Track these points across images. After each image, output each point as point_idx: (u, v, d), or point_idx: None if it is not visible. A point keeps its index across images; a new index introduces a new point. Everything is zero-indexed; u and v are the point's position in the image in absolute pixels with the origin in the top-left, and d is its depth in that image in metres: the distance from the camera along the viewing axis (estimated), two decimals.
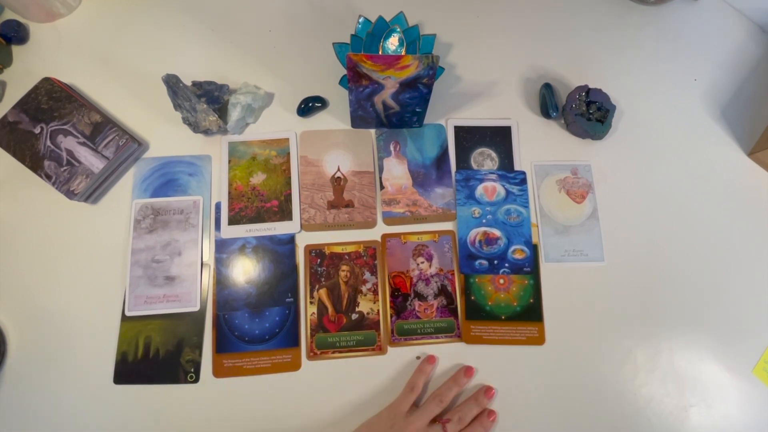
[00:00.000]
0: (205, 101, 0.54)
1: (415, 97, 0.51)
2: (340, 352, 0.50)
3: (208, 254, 0.53)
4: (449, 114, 0.59)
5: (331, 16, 0.62)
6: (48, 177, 0.51)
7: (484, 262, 0.54)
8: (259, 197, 0.54)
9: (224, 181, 0.55)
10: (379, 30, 0.56)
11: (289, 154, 0.56)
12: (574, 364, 0.51)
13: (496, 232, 0.55)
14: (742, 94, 0.62)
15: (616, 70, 0.62)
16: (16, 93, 0.53)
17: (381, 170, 0.56)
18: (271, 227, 0.53)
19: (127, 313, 0.50)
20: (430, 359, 0.50)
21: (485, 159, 0.57)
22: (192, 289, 0.51)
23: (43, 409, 0.48)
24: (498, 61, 0.62)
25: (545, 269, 0.54)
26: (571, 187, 0.57)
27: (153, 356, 0.49)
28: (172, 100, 0.53)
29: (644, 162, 0.58)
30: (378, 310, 0.52)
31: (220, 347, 0.50)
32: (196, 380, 0.49)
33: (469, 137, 0.58)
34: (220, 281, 0.52)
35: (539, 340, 0.52)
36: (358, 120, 0.56)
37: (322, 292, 0.52)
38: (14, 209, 0.53)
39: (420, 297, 0.52)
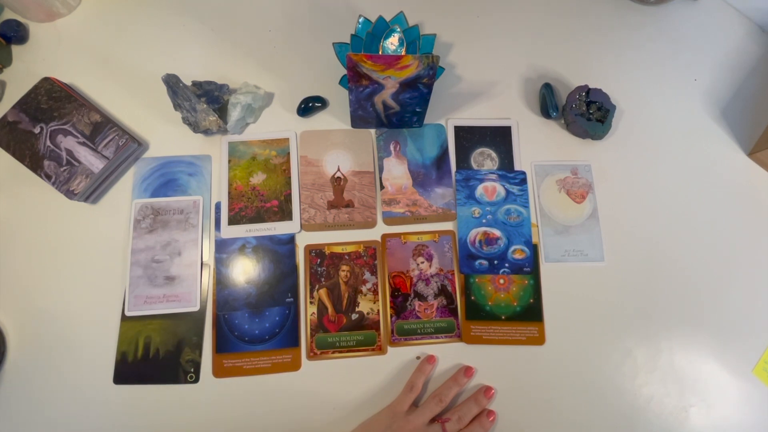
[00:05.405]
0: (205, 101, 0.54)
1: (415, 97, 0.51)
2: (340, 352, 0.50)
3: (208, 254, 0.53)
4: (449, 114, 0.59)
5: (331, 16, 0.62)
6: (48, 177, 0.51)
7: (484, 262, 0.54)
8: (259, 197, 0.54)
9: (224, 181, 0.55)
10: (379, 30, 0.56)
11: (289, 154, 0.56)
12: (574, 364, 0.51)
13: (496, 232, 0.55)
14: (742, 94, 0.62)
15: (616, 70, 0.62)
16: (15, 93, 0.54)
17: (381, 170, 0.56)
18: (271, 227, 0.53)
19: (127, 313, 0.50)
20: (430, 359, 0.50)
21: (485, 159, 0.57)
22: (192, 289, 0.51)
23: (43, 409, 0.48)
24: (498, 61, 0.62)
25: (545, 269, 0.54)
26: (571, 187, 0.57)
27: (153, 356, 0.49)
28: (172, 100, 0.53)
29: (644, 162, 0.58)
30: (378, 310, 0.52)
31: (220, 347, 0.50)
32: (196, 380, 0.49)
33: (469, 137, 0.58)
34: (220, 281, 0.52)
35: (539, 340, 0.52)
36: (358, 120, 0.56)
37: (322, 292, 0.52)
38: (14, 209, 0.53)
39: (420, 297, 0.52)
